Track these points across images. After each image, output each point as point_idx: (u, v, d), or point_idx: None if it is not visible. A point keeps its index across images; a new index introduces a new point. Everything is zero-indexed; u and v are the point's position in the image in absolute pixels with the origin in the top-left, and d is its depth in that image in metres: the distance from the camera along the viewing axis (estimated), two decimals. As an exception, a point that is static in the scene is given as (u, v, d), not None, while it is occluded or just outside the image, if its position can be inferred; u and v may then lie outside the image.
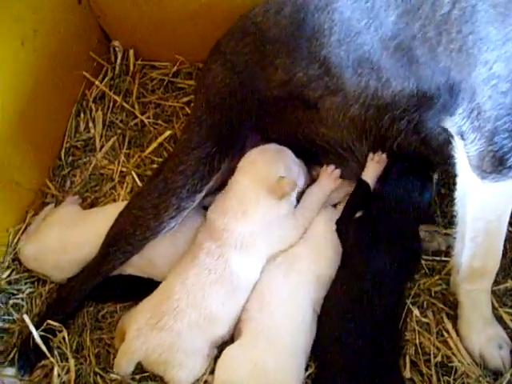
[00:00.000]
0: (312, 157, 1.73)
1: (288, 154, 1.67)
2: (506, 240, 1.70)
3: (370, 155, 1.66)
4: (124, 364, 1.53)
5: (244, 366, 1.48)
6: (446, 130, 1.45)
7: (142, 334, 1.52)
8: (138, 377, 1.56)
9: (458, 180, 1.46)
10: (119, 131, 2.10)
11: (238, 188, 1.62)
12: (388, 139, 1.58)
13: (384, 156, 1.65)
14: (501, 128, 1.26)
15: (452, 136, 1.41)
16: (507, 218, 1.44)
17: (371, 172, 1.66)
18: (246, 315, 1.58)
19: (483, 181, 1.35)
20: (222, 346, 1.58)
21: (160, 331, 1.52)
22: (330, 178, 1.71)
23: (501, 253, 1.51)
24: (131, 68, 2.23)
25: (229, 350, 1.52)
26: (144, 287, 1.68)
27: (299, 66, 1.56)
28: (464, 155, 1.38)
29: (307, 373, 1.56)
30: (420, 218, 1.62)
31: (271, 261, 1.64)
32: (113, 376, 1.55)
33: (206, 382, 1.54)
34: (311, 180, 1.76)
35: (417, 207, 1.60)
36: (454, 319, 1.63)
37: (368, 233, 1.59)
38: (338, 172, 1.71)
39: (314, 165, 1.76)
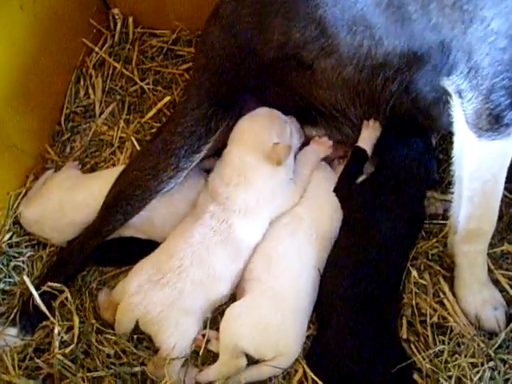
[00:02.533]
0: (309, 118, 1.74)
1: (277, 116, 1.68)
2: (501, 203, 1.73)
3: (365, 122, 1.67)
4: (124, 321, 1.55)
5: (248, 323, 1.50)
6: (434, 90, 1.46)
7: (144, 289, 1.54)
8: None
9: (455, 139, 1.47)
10: (119, 97, 2.11)
11: (235, 159, 1.63)
12: (381, 101, 1.59)
13: (377, 123, 1.66)
14: (498, 85, 1.27)
15: (448, 95, 1.41)
16: (503, 178, 1.45)
17: (367, 138, 1.67)
18: (251, 275, 1.60)
19: (480, 139, 1.36)
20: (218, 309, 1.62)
21: (163, 287, 1.54)
22: (321, 145, 1.73)
23: (497, 213, 1.52)
24: (130, 35, 2.24)
25: (233, 308, 1.54)
26: (144, 249, 1.68)
27: (296, 27, 1.57)
28: (461, 114, 1.38)
29: (307, 333, 1.58)
30: (428, 180, 1.64)
31: (276, 222, 1.65)
32: (110, 336, 1.57)
33: (204, 335, 1.56)
34: (306, 139, 1.78)
35: (425, 169, 1.62)
36: (451, 281, 1.65)
37: (374, 197, 1.61)
38: (330, 142, 1.73)
39: (312, 127, 1.76)
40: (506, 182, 1.77)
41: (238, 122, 1.67)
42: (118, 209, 1.65)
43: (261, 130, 1.64)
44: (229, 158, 1.64)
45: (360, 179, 1.66)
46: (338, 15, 1.49)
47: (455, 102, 1.39)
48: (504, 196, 1.78)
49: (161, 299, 1.53)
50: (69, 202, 1.76)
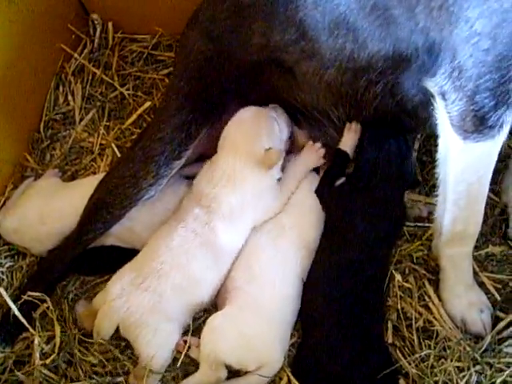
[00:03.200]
0: (293, 120, 1.73)
1: (264, 115, 1.66)
2: (486, 205, 1.72)
3: (347, 125, 1.66)
4: (106, 325, 1.53)
5: (229, 334, 1.48)
6: (421, 92, 1.44)
7: (126, 292, 1.52)
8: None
9: (440, 141, 1.45)
10: (99, 104, 2.09)
11: (226, 165, 1.61)
12: (364, 103, 1.57)
13: (359, 126, 1.65)
14: (482, 87, 1.25)
15: (432, 97, 1.40)
16: (488, 180, 1.44)
17: (348, 141, 1.66)
18: (232, 284, 1.58)
19: (465, 141, 1.35)
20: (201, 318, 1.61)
21: (143, 291, 1.52)
22: (314, 154, 1.71)
23: (482, 216, 1.51)
24: (110, 41, 2.21)
25: (214, 319, 1.52)
26: (126, 258, 1.65)
27: (276, 30, 1.55)
28: (445, 116, 1.37)
29: (291, 341, 1.57)
30: (404, 182, 1.62)
31: (259, 230, 1.64)
32: (93, 346, 1.55)
33: (185, 342, 1.54)
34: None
35: (398, 171, 1.60)
36: (436, 284, 1.64)
37: (351, 199, 1.60)
38: (322, 151, 1.71)
39: (297, 128, 1.75)
40: (490, 184, 1.80)
41: (226, 127, 1.65)
42: (97, 217, 1.63)
43: (250, 137, 1.62)
44: (219, 164, 1.62)
45: (339, 181, 1.65)
46: (319, 18, 1.47)
47: (439, 104, 1.38)
48: (488, 198, 1.77)
49: (142, 303, 1.51)
50: (49, 210, 1.74)
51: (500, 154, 1.80)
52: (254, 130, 1.63)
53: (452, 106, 1.34)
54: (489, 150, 1.36)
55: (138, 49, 2.20)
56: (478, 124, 1.31)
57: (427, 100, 1.44)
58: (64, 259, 1.68)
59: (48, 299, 1.61)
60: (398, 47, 1.40)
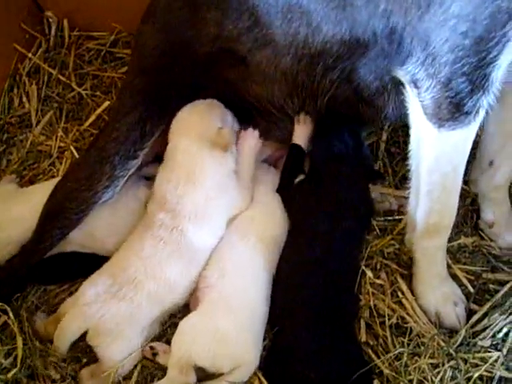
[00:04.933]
0: (247, 118, 1.69)
1: (217, 104, 1.64)
2: (458, 196, 1.72)
3: (296, 118, 1.63)
4: (74, 328, 1.49)
5: (203, 335, 1.45)
6: (378, 79, 1.41)
7: (100, 299, 1.48)
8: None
9: (412, 131, 1.41)
10: (56, 105, 2.03)
11: (180, 152, 1.58)
12: (320, 92, 1.53)
13: (308, 118, 1.63)
14: (459, 71, 1.22)
15: (400, 85, 1.37)
16: (463, 169, 1.41)
17: (299, 134, 1.64)
18: (204, 283, 1.54)
19: (439, 130, 1.31)
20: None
21: (120, 300, 1.49)
22: (250, 139, 1.67)
23: (456, 206, 1.48)
24: (66, 39, 2.16)
25: (187, 320, 1.48)
26: (87, 264, 1.63)
27: (229, 18, 1.51)
28: (418, 104, 1.33)
29: (264, 343, 1.53)
30: (363, 173, 1.59)
31: (228, 227, 1.61)
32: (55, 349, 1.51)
33: (152, 348, 1.51)
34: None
35: (353, 161, 1.58)
36: (409, 279, 1.61)
37: (310, 197, 1.57)
38: (256, 132, 1.67)
39: (249, 124, 1.70)
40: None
41: (177, 114, 1.61)
42: (54, 224, 1.57)
43: (203, 117, 1.60)
44: (174, 155, 1.59)
45: (299, 178, 1.62)
46: (272, 2, 1.44)
47: (410, 92, 1.34)
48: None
49: (118, 312, 1.48)
50: (6, 217, 1.68)
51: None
52: (206, 112, 1.61)
53: (425, 94, 1.30)
54: (464, 137, 1.33)
55: (95, 47, 2.15)
56: (454, 111, 1.27)
57: (384, 87, 1.41)
58: (22, 268, 1.62)
59: (9, 310, 1.55)
60: (355, 31, 1.36)
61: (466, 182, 1.75)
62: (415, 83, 1.31)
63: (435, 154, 1.38)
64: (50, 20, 2.15)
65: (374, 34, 1.34)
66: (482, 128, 1.61)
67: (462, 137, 1.33)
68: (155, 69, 1.62)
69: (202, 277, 1.56)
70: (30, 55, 2.10)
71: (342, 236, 1.53)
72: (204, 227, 1.57)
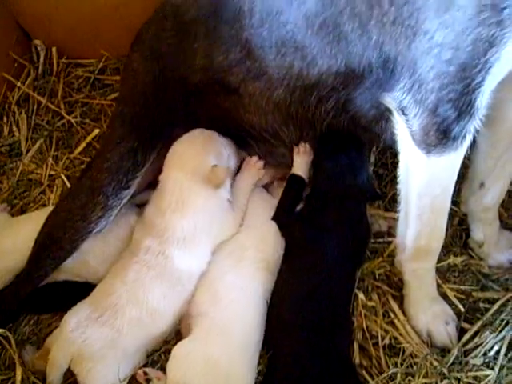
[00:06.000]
0: (242, 143, 1.70)
1: (214, 137, 1.64)
2: (446, 216, 1.74)
3: (295, 148, 1.64)
4: (61, 358, 1.47)
5: (197, 362, 1.44)
6: (375, 107, 1.43)
7: (83, 325, 1.48)
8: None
9: (401, 157, 1.43)
10: (46, 133, 2.04)
11: (173, 184, 1.58)
12: (316, 121, 1.55)
13: (308, 146, 1.64)
14: (445, 98, 1.24)
15: (389, 112, 1.38)
16: (451, 191, 1.43)
17: (299, 164, 1.65)
18: (196, 310, 1.54)
19: (428, 155, 1.33)
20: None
21: (101, 326, 1.48)
22: (252, 169, 1.69)
23: (444, 230, 1.50)
24: (55, 67, 2.17)
25: (180, 346, 1.47)
26: (80, 292, 1.60)
27: (219, 49, 1.52)
28: (406, 131, 1.35)
29: (258, 368, 1.52)
30: (364, 197, 1.61)
31: (220, 252, 1.61)
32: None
33: (145, 373, 1.50)
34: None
35: (355, 187, 1.58)
36: (400, 300, 1.63)
37: (313, 220, 1.58)
38: (260, 163, 1.70)
39: (244, 150, 1.73)
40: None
41: (172, 145, 1.62)
42: (48, 253, 1.58)
43: (198, 153, 1.60)
44: (165, 184, 1.59)
45: (299, 207, 1.63)
46: (266, 36, 1.45)
47: (398, 119, 1.35)
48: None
49: (100, 337, 1.47)
50: (-1, 248, 1.68)
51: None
52: (201, 147, 1.61)
53: (413, 121, 1.32)
54: (452, 161, 1.35)
55: (84, 74, 2.16)
56: (442, 137, 1.29)
57: (381, 115, 1.42)
58: (16, 298, 1.61)
59: (11, 336, 1.56)
60: (350, 63, 1.38)
61: (454, 202, 1.77)
62: (403, 110, 1.32)
63: (424, 178, 1.39)
64: (39, 48, 2.16)
65: (369, 65, 1.36)
66: (473, 149, 1.65)
67: (450, 161, 1.35)
68: (145, 97, 1.63)
69: (193, 304, 1.55)
70: (19, 84, 2.11)
71: (343, 260, 1.54)
72: (191, 253, 1.57)
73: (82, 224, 1.56)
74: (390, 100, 1.35)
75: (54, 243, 1.57)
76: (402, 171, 1.44)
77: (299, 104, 1.52)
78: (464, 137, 1.29)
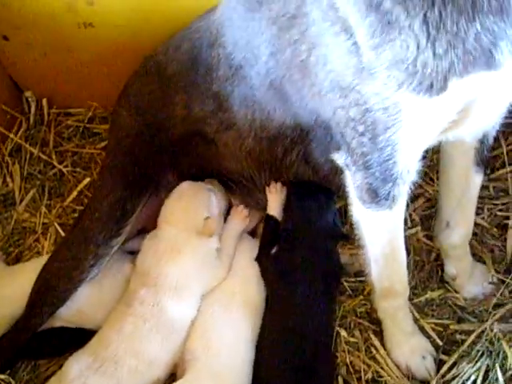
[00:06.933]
0: (224, 186, 1.77)
1: (201, 189, 1.71)
2: (422, 252, 1.84)
3: (267, 188, 1.70)
4: None
5: None
6: (329, 160, 1.49)
7: (83, 375, 1.52)
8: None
9: (351, 208, 1.49)
10: (38, 182, 2.09)
11: (167, 237, 1.65)
12: (284, 170, 1.63)
13: (279, 185, 1.70)
14: (368, 164, 1.31)
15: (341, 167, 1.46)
16: (400, 242, 1.49)
17: (273, 203, 1.71)
18: (190, 356, 1.58)
19: (367, 209, 1.41)
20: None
21: (102, 376, 1.52)
22: (239, 217, 1.76)
23: (405, 273, 1.57)
24: (46, 117, 2.23)
25: None
26: (76, 338, 1.67)
27: (196, 101, 1.60)
28: (351, 185, 1.42)
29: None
30: (332, 237, 1.67)
31: (209, 299, 1.66)
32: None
33: None
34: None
35: (322, 228, 1.64)
36: (381, 335, 1.69)
37: (286, 265, 1.63)
38: (246, 211, 1.76)
39: (229, 193, 1.80)
40: (423, 230, 1.87)
41: (165, 202, 1.69)
42: (43, 302, 1.63)
43: (189, 208, 1.67)
44: (160, 237, 1.66)
45: (275, 249, 1.68)
46: (231, 90, 1.53)
47: (346, 174, 1.43)
48: (424, 244, 1.87)
49: None
50: (-3, 298, 1.73)
51: (430, 200, 1.94)
52: (193, 203, 1.67)
53: (353, 178, 1.40)
54: (390, 217, 1.42)
55: (73, 123, 2.22)
56: (374, 196, 1.36)
57: (337, 168, 1.49)
58: (14, 345, 1.66)
59: (13, 381, 1.60)
60: (299, 121, 1.46)
61: (429, 237, 1.86)
62: (347, 166, 1.40)
63: (369, 229, 1.47)
64: (30, 100, 2.22)
65: (312, 125, 1.44)
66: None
67: (388, 217, 1.41)
68: (131, 149, 1.70)
69: (187, 350, 1.59)
70: (11, 135, 2.17)
71: (316, 300, 1.59)
72: (184, 301, 1.62)
73: (75, 272, 1.62)
74: (338, 157, 1.42)
75: (50, 291, 1.63)
76: (353, 220, 1.51)
77: (267, 153, 1.59)
78: (393, 199, 1.36)
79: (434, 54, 1.07)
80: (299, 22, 1.27)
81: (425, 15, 1.04)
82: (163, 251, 1.63)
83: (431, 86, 1.10)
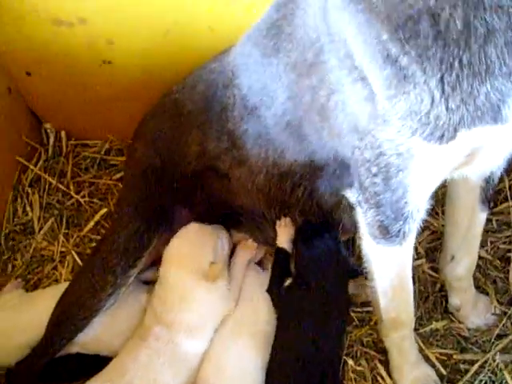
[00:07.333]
0: (234, 222, 1.82)
1: (208, 232, 1.74)
2: (427, 283, 1.88)
3: (277, 222, 1.74)
4: None
5: None
6: (333, 196, 1.56)
7: None
8: None
9: (361, 242, 1.54)
10: (56, 212, 2.16)
11: (175, 281, 1.68)
12: (292, 206, 1.67)
13: (288, 219, 1.72)
14: (380, 203, 1.36)
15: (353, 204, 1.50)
16: (408, 275, 1.54)
17: (282, 237, 1.73)
18: (202, 383, 1.63)
19: (377, 244, 1.46)
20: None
21: None
22: (247, 250, 1.81)
23: (412, 305, 1.61)
24: (64, 148, 2.30)
25: None
26: (92, 365, 1.72)
27: (211, 139, 1.66)
28: (362, 221, 1.47)
29: None
30: (343, 274, 1.69)
31: (221, 330, 1.70)
32: None
33: None
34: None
35: (334, 265, 1.66)
36: (387, 364, 1.73)
37: (299, 299, 1.65)
38: (254, 244, 1.81)
39: (237, 230, 1.84)
40: (430, 261, 1.93)
41: (170, 242, 1.72)
42: (62, 329, 1.69)
43: (195, 251, 1.69)
44: (167, 281, 1.69)
45: (288, 282, 1.70)
46: (245, 128, 1.59)
47: (358, 210, 1.48)
48: (429, 275, 1.92)
49: None
50: (14, 323, 1.78)
51: (435, 232, 1.99)
52: (198, 246, 1.70)
53: (364, 215, 1.44)
54: (399, 253, 1.47)
55: (91, 155, 2.29)
56: (385, 233, 1.41)
57: (339, 204, 1.55)
58: (32, 371, 1.72)
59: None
60: (313, 159, 1.52)
61: (434, 269, 1.91)
62: (359, 203, 1.45)
63: (378, 264, 1.52)
64: (49, 131, 2.30)
65: (328, 162, 1.49)
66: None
67: (398, 253, 1.46)
68: (147, 183, 1.76)
69: (199, 378, 1.63)
70: (31, 166, 2.24)
71: (327, 332, 1.62)
72: (198, 337, 1.66)
73: (93, 301, 1.67)
74: (350, 194, 1.47)
75: (68, 320, 1.68)
76: (363, 253, 1.56)
77: (277, 190, 1.64)
78: (403, 236, 1.41)
79: (447, 108, 1.13)
80: (318, 69, 1.33)
81: (442, 77, 1.10)
82: (173, 301, 1.67)
83: (442, 136, 1.16)
